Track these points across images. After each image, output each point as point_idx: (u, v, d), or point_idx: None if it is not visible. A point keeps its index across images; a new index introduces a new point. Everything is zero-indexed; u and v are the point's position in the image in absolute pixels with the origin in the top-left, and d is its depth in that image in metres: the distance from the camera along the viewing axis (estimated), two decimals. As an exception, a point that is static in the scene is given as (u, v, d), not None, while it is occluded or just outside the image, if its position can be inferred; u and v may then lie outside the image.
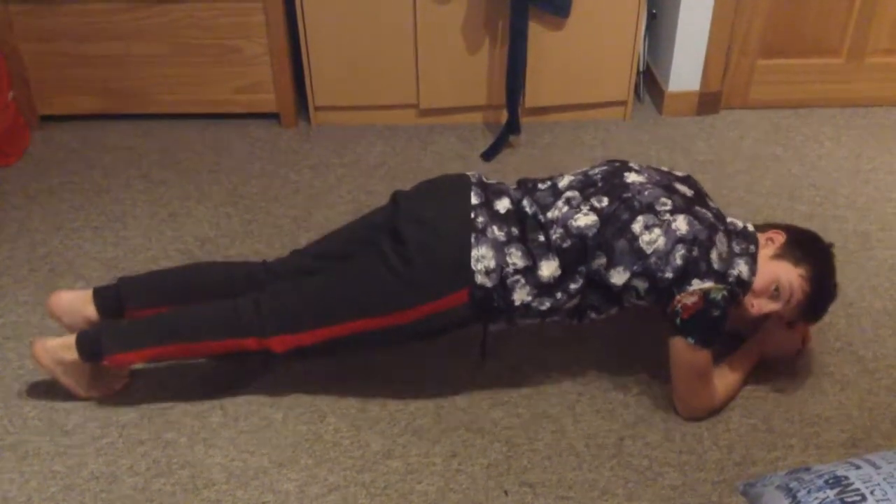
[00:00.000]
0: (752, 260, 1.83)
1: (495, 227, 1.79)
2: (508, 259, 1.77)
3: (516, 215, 1.83)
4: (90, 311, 1.94)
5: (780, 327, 1.97)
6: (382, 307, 1.79)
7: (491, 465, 1.79)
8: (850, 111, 3.14)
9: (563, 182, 1.90)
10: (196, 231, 2.50)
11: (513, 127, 2.88)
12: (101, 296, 1.96)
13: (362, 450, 1.83)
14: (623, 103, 3.07)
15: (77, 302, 1.95)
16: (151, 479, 1.76)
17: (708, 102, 3.10)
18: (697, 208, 1.83)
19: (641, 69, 3.18)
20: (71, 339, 1.85)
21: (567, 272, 1.80)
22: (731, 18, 2.94)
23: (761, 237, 1.88)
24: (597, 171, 1.92)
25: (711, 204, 1.90)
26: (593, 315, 1.88)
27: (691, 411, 1.89)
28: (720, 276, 1.76)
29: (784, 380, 2.00)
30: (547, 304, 1.81)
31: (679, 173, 1.96)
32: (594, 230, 1.79)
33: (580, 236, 1.79)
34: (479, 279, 1.76)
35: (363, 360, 2.04)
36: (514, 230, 1.81)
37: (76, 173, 2.78)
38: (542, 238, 1.80)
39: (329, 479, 1.76)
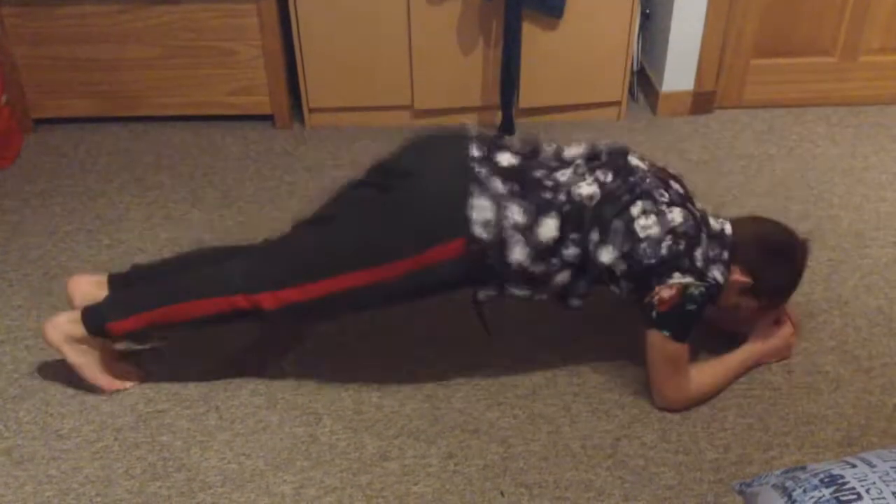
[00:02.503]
0: (726, 267, 1.85)
1: (496, 180, 1.76)
2: (507, 213, 1.74)
3: (519, 173, 1.80)
4: (102, 296, 1.96)
5: (767, 325, 2.01)
6: (372, 259, 1.75)
7: (487, 467, 1.79)
8: (843, 110, 3.15)
9: (569, 152, 1.88)
10: (191, 234, 2.50)
11: (507, 128, 2.88)
12: (114, 280, 2.02)
13: (358, 452, 1.83)
14: (617, 103, 3.07)
15: (93, 286, 2.00)
16: (147, 483, 1.76)
17: (702, 102, 3.11)
18: (689, 205, 1.86)
19: (635, 69, 3.18)
20: (78, 312, 1.88)
21: (564, 236, 1.78)
22: (725, 18, 2.95)
23: (731, 273, 1.86)
24: (603, 147, 1.90)
25: (698, 205, 1.92)
26: (576, 302, 1.89)
27: (665, 401, 1.90)
28: (700, 274, 1.79)
29: (779, 379, 2.00)
30: (541, 269, 1.79)
31: (671, 170, 1.97)
32: (594, 201, 1.78)
33: (580, 204, 1.78)
34: (476, 230, 1.72)
35: (358, 360, 2.04)
36: (516, 186, 1.77)
37: (70, 177, 2.77)
38: (546, 196, 1.77)
39: (325, 482, 1.76)
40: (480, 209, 1.73)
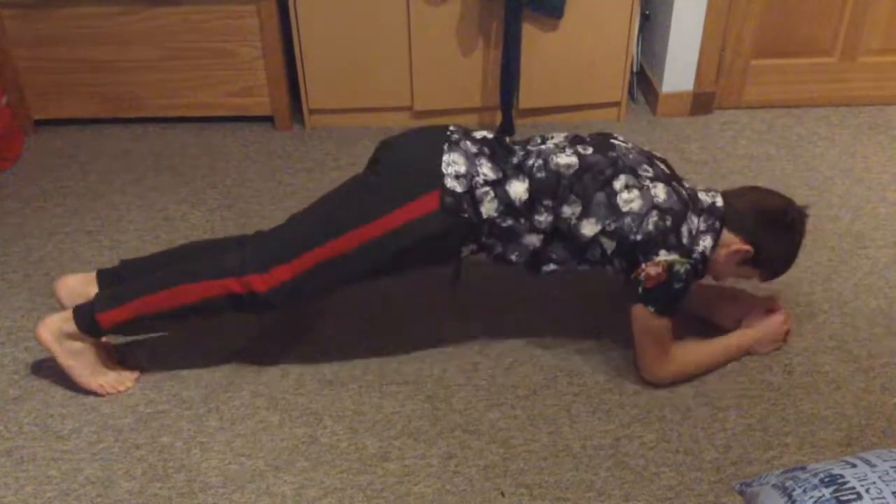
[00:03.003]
0: (717, 236, 1.87)
1: (468, 142, 1.85)
2: (479, 169, 1.81)
3: (492, 142, 1.89)
4: (92, 292, 1.96)
5: (761, 318, 2.04)
6: (354, 220, 1.81)
7: (487, 467, 1.80)
8: (843, 110, 3.15)
9: (553, 140, 1.93)
10: (191, 234, 2.50)
11: (507, 128, 2.89)
12: (103, 276, 2.02)
13: (359, 452, 1.83)
14: (617, 104, 3.07)
15: (80, 283, 2.00)
16: (147, 484, 1.76)
17: (702, 103, 3.11)
18: (674, 183, 1.88)
19: (635, 70, 3.18)
20: (69, 310, 1.89)
21: (534, 200, 1.82)
22: (725, 19, 2.95)
23: (730, 244, 1.88)
24: (585, 134, 1.97)
25: (686, 184, 1.94)
26: (552, 267, 1.91)
27: (649, 374, 1.95)
28: (686, 251, 1.81)
29: (779, 379, 2.01)
30: (509, 223, 1.83)
31: (657, 154, 1.99)
32: (572, 171, 1.83)
33: (556, 172, 1.83)
34: (449, 182, 1.79)
35: (358, 360, 2.05)
36: (486, 149, 1.86)
37: (71, 178, 2.78)
38: (515, 160, 1.85)
39: (326, 482, 1.76)
40: (453, 164, 1.80)
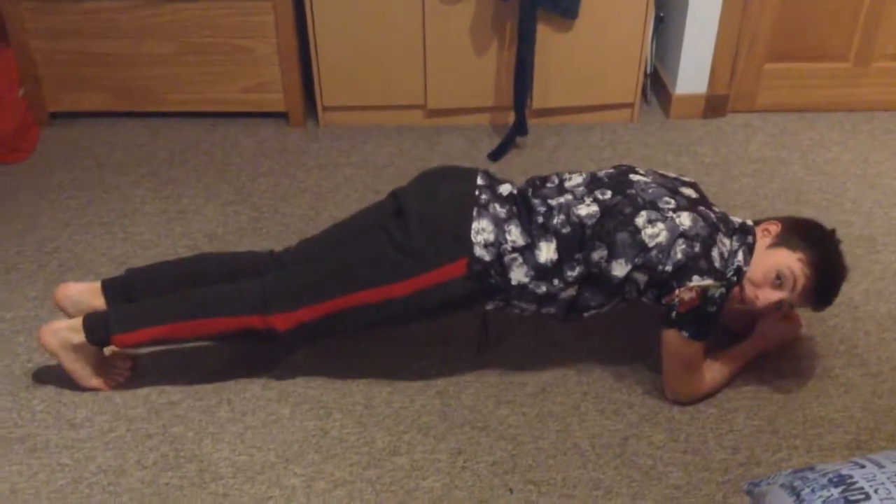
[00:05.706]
0: (749, 250, 1.86)
1: (497, 205, 1.84)
2: (507, 236, 1.81)
3: (519, 199, 1.89)
4: (99, 304, 1.96)
5: (774, 318, 2.01)
6: (382, 277, 1.82)
7: (496, 463, 1.80)
8: (856, 115, 3.14)
9: (571, 182, 1.93)
10: (204, 228, 2.52)
11: (520, 128, 2.89)
12: (109, 287, 1.98)
13: (368, 446, 1.84)
14: (630, 105, 3.07)
15: (85, 294, 1.97)
16: (159, 473, 1.77)
17: (715, 105, 3.11)
18: (701, 208, 1.86)
19: (649, 72, 3.18)
20: (78, 321, 1.87)
21: (564, 258, 1.82)
22: (739, 22, 2.95)
23: (758, 229, 1.90)
24: (604, 172, 1.96)
25: (715, 208, 1.93)
26: (592, 312, 1.91)
27: (678, 396, 1.94)
28: (719, 275, 1.80)
29: (788, 382, 2.01)
30: (543, 289, 1.84)
31: (685, 178, 1.99)
32: (594, 219, 1.83)
33: (580, 224, 1.83)
34: (478, 251, 1.79)
35: (368, 355, 2.06)
36: (515, 209, 1.85)
37: (85, 170, 2.80)
38: (541, 220, 1.84)
39: (335, 475, 1.77)
40: (482, 231, 1.80)
